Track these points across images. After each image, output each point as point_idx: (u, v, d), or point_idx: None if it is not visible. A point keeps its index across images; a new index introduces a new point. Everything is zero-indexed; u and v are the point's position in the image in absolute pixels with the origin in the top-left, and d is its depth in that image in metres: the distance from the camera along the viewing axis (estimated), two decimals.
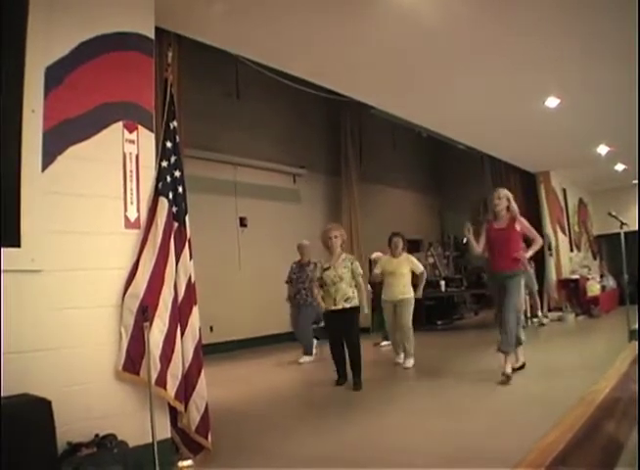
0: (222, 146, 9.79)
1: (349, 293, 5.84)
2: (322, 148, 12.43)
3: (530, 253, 5.65)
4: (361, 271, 6.03)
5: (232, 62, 8.04)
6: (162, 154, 3.68)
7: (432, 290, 10.37)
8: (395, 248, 7.07)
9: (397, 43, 5.63)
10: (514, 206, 5.58)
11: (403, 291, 6.88)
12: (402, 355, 6.93)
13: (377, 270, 7.20)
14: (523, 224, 5.56)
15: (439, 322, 11.35)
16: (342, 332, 5.90)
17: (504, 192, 5.64)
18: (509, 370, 5.24)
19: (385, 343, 8.88)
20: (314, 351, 8.01)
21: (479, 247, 5.66)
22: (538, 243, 5.64)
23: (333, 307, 5.86)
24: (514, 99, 7.56)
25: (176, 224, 3.62)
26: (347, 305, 5.81)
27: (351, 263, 5.96)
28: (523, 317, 8.36)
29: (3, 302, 2.79)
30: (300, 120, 11.74)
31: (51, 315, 3.04)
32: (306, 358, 7.83)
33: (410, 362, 6.77)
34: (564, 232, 13.62)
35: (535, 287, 10.44)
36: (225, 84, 9.90)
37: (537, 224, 11.68)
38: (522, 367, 5.65)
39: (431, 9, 5.06)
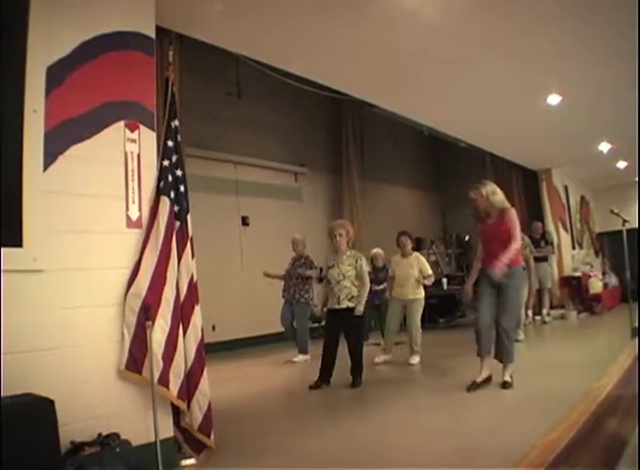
0: (224, 145, 9.79)
1: (354, 292, 5.74)
2: (323, 146, 12.42)
3: (504, 259, 4.83)
4: (366, 269, 5.91)
5: (233, 61, 8.04)
6: (164, 153, 3.68)
7: (433, 288, 10.35)
8: (404, 247, 7.08)
9: (398, 41, 5.63)
10: (495, 199, 5.10)
11: (414, 292, 6.92)
12: (382, 356, 6.99)
13: (390, 273, 7.26)
14: (509, 218, 5.04)
15: (442, 320, 11.35)
16: (342, 331, 5.79)
17: (480, 190, 5.14)
18: (508, 378, 5.01)
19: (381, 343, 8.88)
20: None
21: (476, 270, 5.35)
22: (512, 247, 4.91)
23: (336, 306, 5.76)
24: (515, 97, 7.56)
25: (178, 223, 3.62)
26: (352, 305, 5.71)
27: (356, 261, 5.83)
28: (522, 317, 8.38)
29: (5, 301, 2.80)
30: (302, 119, 11.74)
31: (53, 315, 3.05)
32: (301, 357, 7.77)
33: (416, 359, 6.81)
34: (566, 229, 13.60)
35: (549, 284, 10.43)
36: (226, 83, 9.90)
37: (539, 222, 11.67)
38: (488, 381, 5.18)
39: (431, 7, 5.06)
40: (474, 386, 5.02)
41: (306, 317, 7.95)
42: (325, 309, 6.03)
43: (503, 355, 5.09)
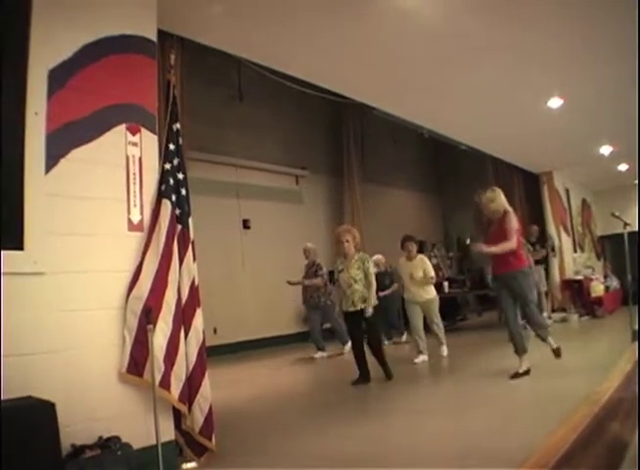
0: (225, 148, 9.80)
1: (366, 294, 5.90)
2: (324, 149, 12.44)
3: (492, 249, 5.25)
4: (373, 271, 6.05)
5: (235, 64, 8.07)
6: (165, 156, 3.68)
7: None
8: (409, 252, 7.25)
9: (399, 44, 5.64)
10: (493, 206, 5.39)
11: (425, 292, 7.11)
12: (420, 357, 7.03)
13: (397, 276, 7.53)
14: (506, 220, 5.33)
15: (443, 323, 11.31)
16: (361, 332, 5.99)
17: (482, 196, 5.48)
18: (555, 345, 5.53)
19: (385, 343, 8.92)
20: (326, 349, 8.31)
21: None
22: (505, 245, 5.23)
23: (351, 309, 5.93)
24: (516, 99, 7.56)
25: (179, 227, 3.63)
26: (365, 306, 5.88)
27: (363, 263, 5.98)
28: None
29: (6, 304, 2.80)
30: (303, 122, 11.75)
31: (54, 318, 3.05)
32: (320, 354, 8.18)
33: (445, 351, 7.25)
34: (567, 233, 13.58)
35: (544, 288, 10.44)
36: (228, 87, 9.92)
37: (541, 225, 11.67)
38: (527, 373, 5.43)
39: (432, 9, 5.07)
40: (516, 376, 5.33)
41: (335, 314, 8.20)
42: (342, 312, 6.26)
43: (536, 328, 5.61)
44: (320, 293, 8.18)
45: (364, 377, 5.95)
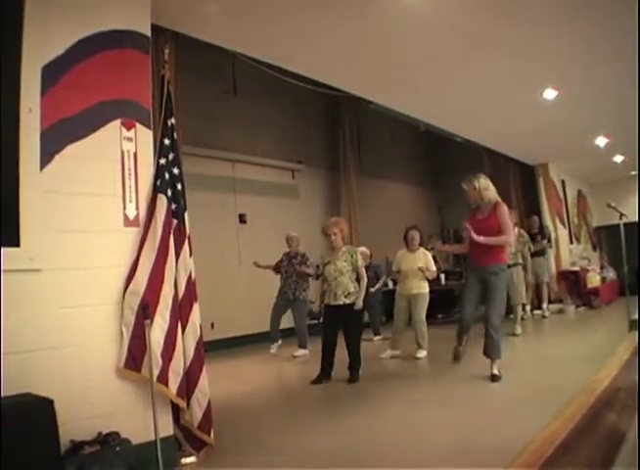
0: (220, 143, 9.77)
1: (350, 288, 5.79)
2: (320, 143, 12.41)
3: (488, 240, 4.96)
4: (361, 264, 5.94)
5: (229, 58, 8.00)
6: (161, 151, 3.68)
7: (431, 283, 10.38)
8: (412, 241, 7.07)
9: (395, 38, 5.62)
10: (487, 194, 5.11)
11: (418, 286, 6.93)
12: (388, 351, 6.99)
13: (394, 268, 7.24)
14: (500, 213, 5.05)
15: (439, 315, 11.33)
16: (340, 327, 5.86)
17: (473, 182, 5.16)
18: (496, 371, 5.06)
19: (376, 338, 8.90)
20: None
21: (462, 247, 5.45)
22: (502, 239, 5.01)
23: (333, 303, 5.82)
24: (512, 91, 7.55)
25: (175, 222, 3.62)
26: (348, 301, 5.76)
27: (351, 256, 5.89)
28: (520, 310, 8.48)
29: (3, 301, 2.79)
30: (298, 116, 11.71)
31: (51, 314, 3.05)
32: (302, 352, 7.88)
33: (423, 353, 6.83)
34: (563, 224, 13.62)
35: (546, 278, 10.46)
36: (222, 81, 9.86)
37: (537, 216, 11.68)
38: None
39: (428, 4, 5.05)
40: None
41: (305, 313, 8.12)
42: (322, 306, 6.11)
43: (492, 351, 5.12)
44: (298, 285, 7.97)
45: (325, 375, 5.76)
